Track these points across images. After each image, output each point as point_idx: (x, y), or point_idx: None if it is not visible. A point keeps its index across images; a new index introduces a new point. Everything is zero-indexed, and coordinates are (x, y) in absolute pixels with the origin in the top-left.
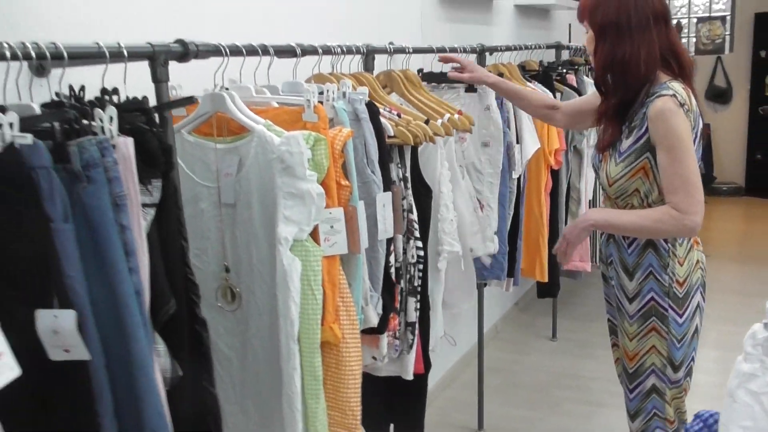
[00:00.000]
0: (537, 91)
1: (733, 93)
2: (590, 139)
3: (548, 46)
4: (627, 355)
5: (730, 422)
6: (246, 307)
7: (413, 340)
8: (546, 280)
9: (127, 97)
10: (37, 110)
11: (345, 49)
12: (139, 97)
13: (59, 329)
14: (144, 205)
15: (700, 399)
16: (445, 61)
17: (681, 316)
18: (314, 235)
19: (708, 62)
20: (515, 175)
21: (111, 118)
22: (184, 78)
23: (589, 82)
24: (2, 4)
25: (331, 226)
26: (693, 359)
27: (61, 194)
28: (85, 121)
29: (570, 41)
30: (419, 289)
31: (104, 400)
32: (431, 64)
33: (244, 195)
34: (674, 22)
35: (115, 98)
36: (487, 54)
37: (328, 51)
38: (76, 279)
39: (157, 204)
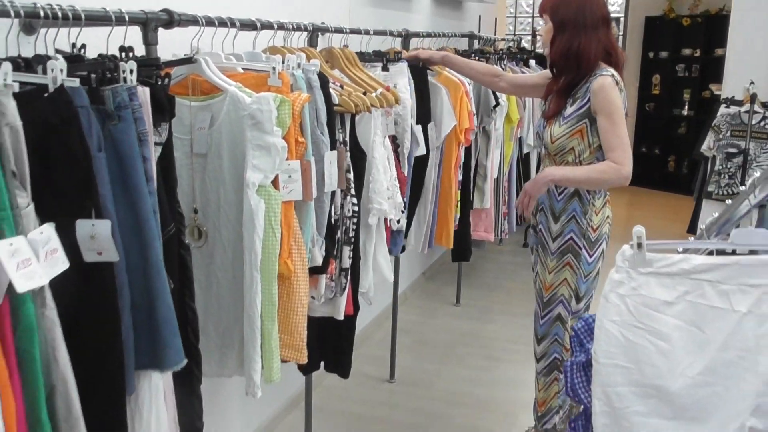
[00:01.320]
0: (482, 62)
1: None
2: (497, 122)
3: (462, 35)
4: (544, 286)
5: (603, 317)
6: (211, 244)
7: (346, 284)
8: (451, 246)
9: (135, 56)
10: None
11: (295, 26)
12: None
13: (96, 235)
14: (154, 144)
15: None
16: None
17: (591, 256)
18: (275, 183)
19: None
20: (436, 145)
21: (131, 71)
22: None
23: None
24: None
25: (289, 176)
26: (592, 297)
27: (96, 129)
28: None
29: (479, 31)
30: (353, 239)
31: (124, 296)
32: (360, 44)
33: (215, 146)
34: None
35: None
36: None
37: (281, 27)
38: (107, 197)
39: (163, 143)
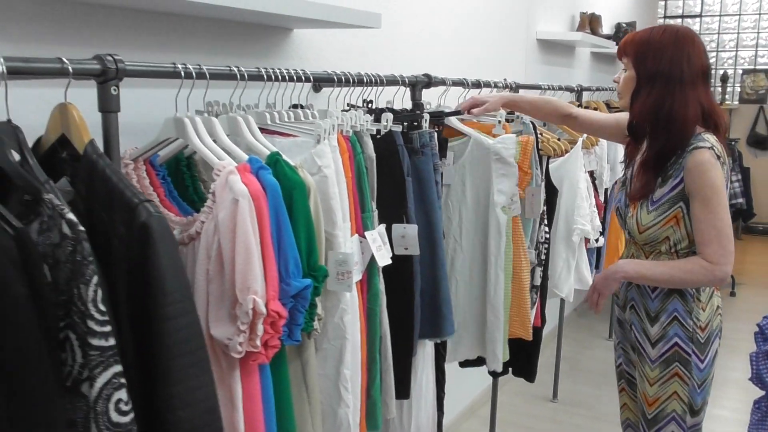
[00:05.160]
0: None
1: None
2: None
3: None
4: (647, 401)
5: None
6: (451, 252)
7: (536, 299)
8: None
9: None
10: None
11: (503, 84)
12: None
13: (406, 235)
14: None
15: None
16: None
17: (703, 362)
18: None
19: (751, 111)
20: (607, 186)
21: (426, 120)
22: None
23: None
24: (294, 43)
25: (512, 199)
26: (708, 402)
27: (407, 160)
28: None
29: None
30: (544, 261)
31: (417, 281)
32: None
33: (459, 177)
34: (721, 72)
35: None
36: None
37: (495, 86)
38: (411, 209)
39: (441, 173)
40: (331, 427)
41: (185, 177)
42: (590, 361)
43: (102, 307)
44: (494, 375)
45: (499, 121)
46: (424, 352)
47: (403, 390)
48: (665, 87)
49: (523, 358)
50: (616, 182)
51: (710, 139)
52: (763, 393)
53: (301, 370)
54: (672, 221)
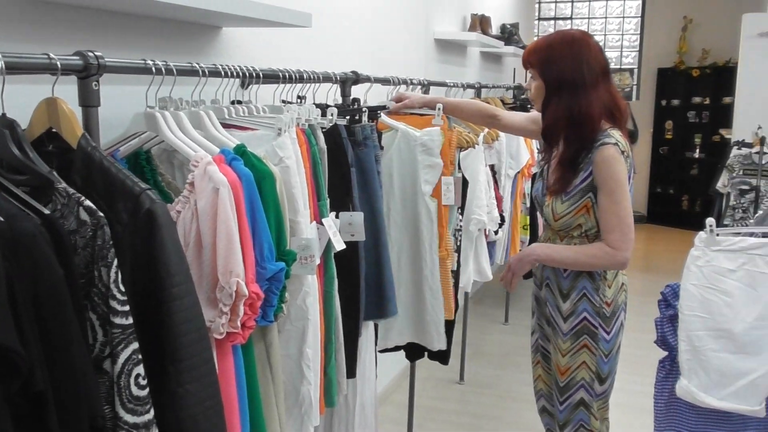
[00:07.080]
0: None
1: (639, 135)
2: None
3: (516, 87)
4: (559, 370)
5: (686, 282)
6: None
7: (455, 284)
8: None
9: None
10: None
11: (416, 82)
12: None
13: (353, 222)
14: None
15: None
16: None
17: (608, 334)
18: (436, 193)
19: None
20: (511, 176)
21: (365, 113)
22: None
23: None
24: (223, 41)
25: (447, 187)
26: (615, 372)
27: (350, 152)
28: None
29: (514, 81)
30: (458, 248)
31: (362, 265)
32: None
33: (386, 168)
34: None
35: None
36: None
37: (404, 82)
38: (356, 198)
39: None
40: (294, 405)
41: (145, 171)
42: (490, 345)
43: (122, 288)
44: (411, 359)
45: (438, 109)
46: (367, 333)
47: (351, 369)
48: (572, 94)
49: None
50: (518, 173)
51: (615, 135)
52: (666, 353)
53: (266, 351)
54: (583, 210)
